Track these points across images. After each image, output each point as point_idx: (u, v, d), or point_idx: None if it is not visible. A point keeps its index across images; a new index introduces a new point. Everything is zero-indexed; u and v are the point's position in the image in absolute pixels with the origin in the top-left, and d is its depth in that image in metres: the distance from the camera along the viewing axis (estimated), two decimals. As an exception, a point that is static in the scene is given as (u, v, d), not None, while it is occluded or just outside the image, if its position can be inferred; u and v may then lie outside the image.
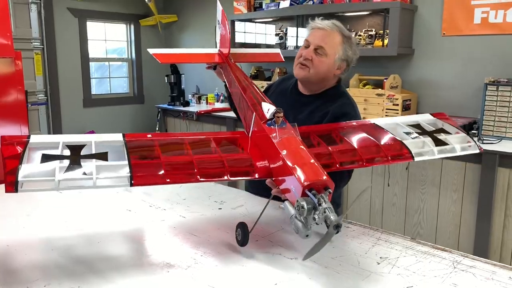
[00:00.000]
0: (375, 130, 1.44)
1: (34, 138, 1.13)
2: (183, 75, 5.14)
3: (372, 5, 3.51)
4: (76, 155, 1.10)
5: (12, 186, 0.99)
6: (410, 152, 1.33)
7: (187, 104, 5.03)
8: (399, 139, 1.38)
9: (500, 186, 2.72)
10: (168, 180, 1.14)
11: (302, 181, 1.04)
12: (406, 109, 3.38)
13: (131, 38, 5.68)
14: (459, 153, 1.39)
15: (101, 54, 5.51)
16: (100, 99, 5.45)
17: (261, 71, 4.59)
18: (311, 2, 3.86)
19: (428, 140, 1.40)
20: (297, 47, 4.00)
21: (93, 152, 1.14)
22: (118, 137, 1.24)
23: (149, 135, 1.29)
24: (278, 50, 2.04)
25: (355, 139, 1.38)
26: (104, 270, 1.12)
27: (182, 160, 1.19)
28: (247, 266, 1.15)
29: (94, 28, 5.34)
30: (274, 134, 1.22)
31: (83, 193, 1.75)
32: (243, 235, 1.21)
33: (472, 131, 3.03)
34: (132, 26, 5.63)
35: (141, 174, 1.11)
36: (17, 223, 1.45)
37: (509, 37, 3.06)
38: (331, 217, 0.96)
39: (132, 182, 1.08)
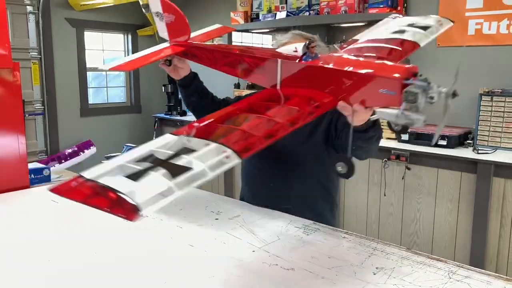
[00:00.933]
0: (373, 41, 1.45)
1: (89, 173, 0.91)
2: (180, 85, 5.15)
3: (368, 16, 3.55)
4: (158, 161, 0.92)
5: (134, 213, 0.80)
6: (413, 41, 1.41)
7: (184, 113, 5.05)
8: (395, 37, 1.43)
9: (496, 196, 2.73)
10: (265, 141, 1.00)
11: (398, 76, 1.06)
12: (402, 119, 3.40)
13: (129, 47, 5.71)
14: (441, 30, 1.49)
15: (98, 64, 5.53)
16: (97, 109, 5.45)
17: (258, 81, 4.61)
18: (307, 13, 3.90)
19: (415, 29, 1.45)
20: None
21: (171, 152, 0.95)
22: (168, 138, 1.01)
23: (195, 123, 1.08)
24: (220, 25, 1.91)
25: (373, 52, 1.38)
26: (100, 281, 1.12)
27: (259, 121, 1.07)
28: (244, 277, 1.15)
29: (91, 38, 5.37)
30: (322, 62, 1.20)
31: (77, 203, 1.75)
32: (349, 167, 1.18)
33: (467, 141, 3.05)
34: (130, 36, 5.66)
35: (240, 145, 0.96)
36: (12, 234, 1.45)
37: (503, 48, 3.10)
38: (444, 89, 1.02)
39: (239, 154, 0.93)
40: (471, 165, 2.81)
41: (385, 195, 3.20)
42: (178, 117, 4.92)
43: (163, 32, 1.71)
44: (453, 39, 3.29)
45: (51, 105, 4.91)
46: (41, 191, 1.92)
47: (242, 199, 1.93)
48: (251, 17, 4.44)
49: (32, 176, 2.04)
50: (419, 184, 3.05)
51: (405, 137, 3.13)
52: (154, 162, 0.92)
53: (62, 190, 0.88)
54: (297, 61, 1.26)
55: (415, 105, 1.03)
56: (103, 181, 0.87)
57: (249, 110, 1.16)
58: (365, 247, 1.33)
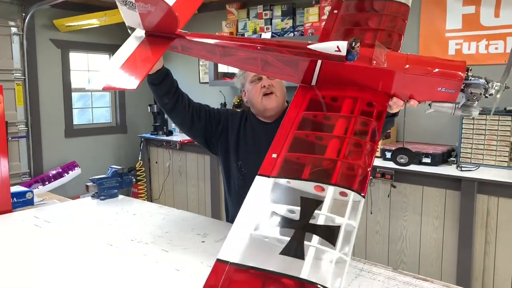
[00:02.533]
0: (360, 5, 1.46)
1: (231, 256, 0.83)
2: (166, 105, 5.15)
3: (350, 37, 3.61)
4: (295, 225, 0.87)
5: None
6: (401, 3, 1.45)
7: (170, 133, 5.03)
8: None
9: (480, 213, 2.76)
10: (369, 167, 1.00)
11: (457, 78, 1.13)
12: (387, 137, 3.45)
13: (114, 68, 5.70)
14: None
15: (83, 84, 5.50)
16: (82, 129, 5.41)
17: (244, 100, 4.64)
18: (292, 34, 3.96)
19: None
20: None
21: (296, 208, 0.89)
22: (263, 182, 0.96)
23: (274, 155, 1.03)
24: None
25: (366, 25, 1.41)
26: (85, 309, 1.10)
27: (343, 146, 1.03)
28: (230, 301, 1.14)
29: (76, 59, 5.35)
30: (376, 62, 1.18)
31: (63, 227, 1.72)
32: (410, 156, 1.26)
33: (451, 158, 3.10)
34: (115, 57, 5.67)
35: (355, 183, 0.95)
36: (-6, 261, 1.41)
37: (482, 68, 3.17)
38: (498, 84, 1.15)
39: (360, 192, 0.93)
40: (455, 183, 2.84)
41: (371, 213, 3.21)
42: (164, 137, 4.89)
43: (131, 21, 1.47)
44: (434, 58, 3.37)
45: (35, 126, 4.85)
46: (24, 215, 1.89)
47: (228, 218, 1.92)
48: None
49: (15, 199, 2.01)
50: (404, 201, 3.08)
51: (388, 155, 3.16)
52: (291, 226, 0.85)
53: None
54: (340, 61, 1.20)
55: (476, 102, 1.14)
56: (262, 265, 0.79)
57: (309, 126, 1.13)
58: (352, 267, 1.33)
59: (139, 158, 5.11)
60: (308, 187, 0.93)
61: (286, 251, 0.80)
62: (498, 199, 2.70)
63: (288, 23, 4.04)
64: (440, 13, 3.33)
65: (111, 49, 5.60)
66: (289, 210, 0.89)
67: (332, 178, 0.94)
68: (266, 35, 4.12)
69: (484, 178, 2.72)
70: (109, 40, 5.49)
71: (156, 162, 5.04)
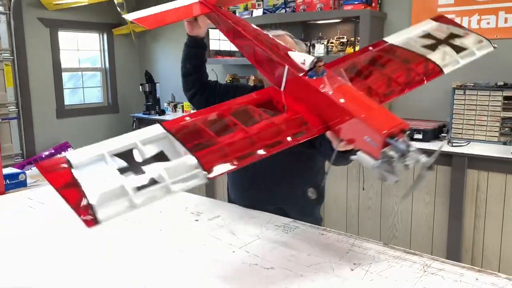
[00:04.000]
0: (395, 51, 1.40)
1: (73, 157, 0.95)
2: (158, 84, 5.12)
3: (343, 13, 3.58)
4: (133, 163, 0.96)
5: (92, 221, 0.87)
6: (438, 66, 1.34)
7: (162, 112, 5.01)
8: (422, 54, 1.37)
9: (470, 188, 2.80)
10: (237, 163, 1.02)
11: (382, 131, 1.02)
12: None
13: (104, 47, 5.63)
14: (478, 55, 1.39)
15: (73, 64, 5.44)
16: (74, 110, 5.37)
17: (236, 78, 4.62)
18: (283, 11, 3.92)
19: (448, 49, 1.39)
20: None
21: (149, 155, 0.98)
22: (156, 131, 1.04)
23: (187, 118, 1.11)
24: None
25: (384, 67, 1.36)
26: (79, 286, 1.12)
27: (240, 138, 1.07)
28: (224, 277, 1.16)
29: (66, 38, 5.27)
30: (323, 85, 1.17)
31: (57, 208, 1.73)
32: (319, 194, 1.30)
33: (442, 134, 3.12)
34: (105, 35, 5.58)
35: (212, 164, 0.98)
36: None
37: (474, 43, 3.17)
38: (422, 159, 0.98)
39: (208, 176, 0.97)
40: (446, 158, 2.87)
41: (363, 190, 3.25)
42: (157, 117, 4.88)
43: None
44: (427, 34, 3.35)
45: (26, 107, 4.81)
46: (17, 196, 1.89)
47: (229, 199, 1.93)
48: (228, 15, 4.42)
49: (8, 181, 2.00)
50: (396, 177, 3.10)
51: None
52: (129, 162, 0.96)
53: (46, 170, 0.92)
54: (301, 74, 1.23)
55: (390, 166, 1.01)
56: (74, 169, 0.92)
57: (241, 114, 1.16)
58: (343, 243, 1.36)
59: (132, 138, 5.09)
60: (181, 150, 1.00)
61: (103, 175, 0.93)
62: (488, 174, 2.74)
63: (280, -1, 3.99)
64: (433, -12, 3.30)
65: (101, 27, 5.51)
66: (144, 159, 0.97)
67: (200, 152, 0.99)
68: (258, 12, 4.07)
69: (474, 153, 2.75)
70: (98, 18, 5.41)
71: (149, 142, 5.03)
